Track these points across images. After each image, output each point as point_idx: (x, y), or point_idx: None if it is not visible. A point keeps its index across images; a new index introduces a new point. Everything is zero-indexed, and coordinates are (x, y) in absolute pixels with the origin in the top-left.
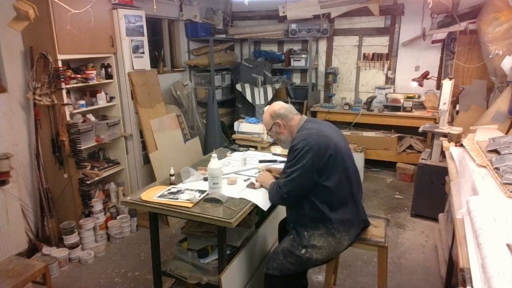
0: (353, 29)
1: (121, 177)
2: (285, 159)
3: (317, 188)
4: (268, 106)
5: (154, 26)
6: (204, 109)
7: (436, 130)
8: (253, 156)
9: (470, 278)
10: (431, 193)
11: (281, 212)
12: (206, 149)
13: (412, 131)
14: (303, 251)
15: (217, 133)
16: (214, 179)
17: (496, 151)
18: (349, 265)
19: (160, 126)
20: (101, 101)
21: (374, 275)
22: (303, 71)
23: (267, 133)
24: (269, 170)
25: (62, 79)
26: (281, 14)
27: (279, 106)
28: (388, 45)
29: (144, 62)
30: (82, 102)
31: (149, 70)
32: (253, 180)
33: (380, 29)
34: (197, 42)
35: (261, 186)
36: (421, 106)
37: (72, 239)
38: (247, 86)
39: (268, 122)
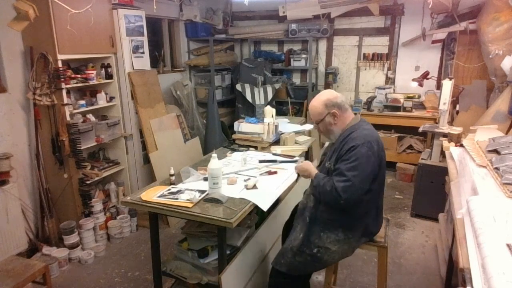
0: (353, 29)
1: (121, 177)
2: (285, 158)
3: None
4: (318, 95)
5: (154, 26)
6: (204, 109)
7: (436, 130)
8: (253, 156)
9: (470, 278)
10: (431, 193)
11: (282, 212)
12: (206, 149)
13: (412, 131)
14: (315, 250)
15: (217, 133)
16: (214, 179)
17: (496, 151)
18: (349, 265)
19: (160, 126)
20: (101, 101)
21: (374, 275)
22: (303, 71)
23: (315, 125)
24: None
25: (62, 79)
26: (281, 14)
27: (335, 94)
28: (388, 45)
29: (144, 62)
30: (82, 102)
31: (149, 70)
32: (252, 181)
33: (380, 29)
34: (197, 42)
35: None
36: (421, 106)
37: (72, 239)
38: (247, 86)
39: (321, 111)
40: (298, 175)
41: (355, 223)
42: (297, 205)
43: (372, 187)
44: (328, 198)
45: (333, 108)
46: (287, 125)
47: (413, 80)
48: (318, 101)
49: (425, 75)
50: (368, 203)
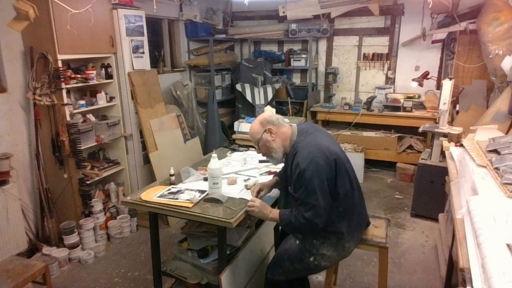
0: (353, 29)
1: (121, 177)
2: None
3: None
4: (255, 119)
5: (154, 26)
6: (204, 109)
7: (436, 130)
8: (253, 156)
9: (470, 278)
10: (431, 193)
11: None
12: (206, 149)
13: (412, 131)
14: (312, 258)
15: (217, 133)
16: (214, 179)
17: (496, 151)
18: (349, 265)
19: (160, 126)
20: (101, 101)
21: (374, 275)
22: (303, 71)
23: (257, 149)
24: (260, 189)
25: (62, 79)
26: (281, 14)
27: (268, 114)
28: (388, 45)
29: (144, 62)
30: (82, 102)
31: (149, 70)
32: (252, 181)
33: (380, 29)
34: (197, 42)
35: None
36: (421, 106)
37: (72, 239)
38: (247, 86)
39: (258, 131)
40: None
41: (340, 224)
42: None
43: (338, 190)
44: (307, 229)
45: (268, 125)
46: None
47: (413, 80)
48: (254, 123)
49: (425, 75)
50: (342, 203)
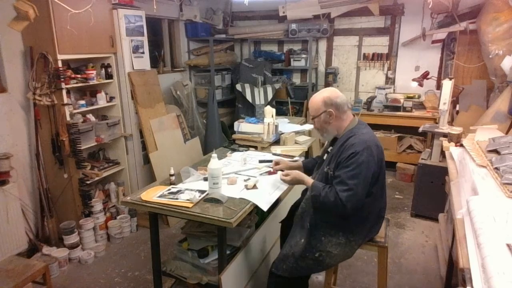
0: (353, 29)
1: (121, 177)
2: (285, 158)
3: None
4: (320, 91)
5: (154, 26)
6: (204, 109)
7: (436, 130)
8: (253, 156)
9: (470, 278)
10: (431, 193)
11: (282, 212)
12: (206, 149)
13: (412, 131)
14: (317, 254)
15: (217, 133)
16: (214, 179)
17: (496, 151)
18: (349, 265)
19: (160, 126)
20: (101, 101)
21: (374, 275)
22: (303, 71)
23: (311, 119)
24: (277, 163)
25: (62, 79)
26: (281, 14)
27: (336, 94)
28: (388, 45)
29: (144, 62)
30: (82, 102)
31: (149, 70)
32: (252, 181)
33: (380, 29)
34: (197, 42)
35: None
36: (421, 106)
37: (72, 239)
38: (247, 86)
39: (318, 108)
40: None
41: (356, 226)
42: (294, 204)
43: (373, 189)
44: (332, 208)
45: (331, 107)
46: (287, 125)
47: (413, 80)
48: (318, 97)
49: (425, 75)
50: (369, 207)
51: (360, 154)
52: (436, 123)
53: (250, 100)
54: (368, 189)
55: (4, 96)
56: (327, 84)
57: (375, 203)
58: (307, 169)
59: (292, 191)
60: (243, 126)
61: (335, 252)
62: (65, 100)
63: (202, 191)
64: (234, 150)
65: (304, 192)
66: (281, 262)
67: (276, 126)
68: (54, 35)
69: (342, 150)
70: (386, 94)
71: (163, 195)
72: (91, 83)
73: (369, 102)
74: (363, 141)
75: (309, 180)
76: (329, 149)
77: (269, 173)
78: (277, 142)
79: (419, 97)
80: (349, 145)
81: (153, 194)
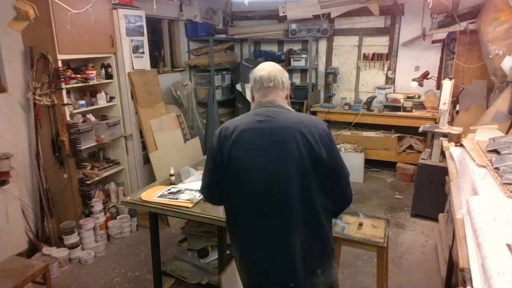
0: (353, 29)
1: (121, 177)
2: None
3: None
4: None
5: (154, 26)
6: (204, 109)
7: (436, 130)
8: None
9: (470, 278)
10: (431, 193)
11: None
12: (206, 149)
13: (412, 131)
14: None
15: None
16: None
17: (496, 151)
18: (349, 265)
19: (160, 126)
20: (101, 101)
21: (374, 275)
22: (303, 71)
23: None
24: None
25: (62, 79)
26: (281, 14)
27: (259, 73)
28: (388, 45)
29: (144, 62)
30: (82, 102)
31: (149, 70)
32: None
33: (380, 29)
34: (197, 42)
35: None
36: (421, 106)
37: (72, 239)
38: (247, 86)
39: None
40: None
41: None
42: None
43: (222, 181)
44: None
45: (252, 81)
46: None
47: (413, 80)
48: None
49: (425, 75)
50: (230, 212)
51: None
52: (436, 123)
53: (250, 100)
54: (208, 180)
55: (4, 96)
56: (327, 84)
57: (231, 209)
58: None
59: None
60: None
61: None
62: (65, 100)
63: None
64: None
65: None
66: None
67: None
68: (54, 35)
69: None
70: (386, 94)
71: (163, 195)
72: (91, 83)
73: (369, 102)
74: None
75: None
76: None
77: None
78: None
79: (419, 97)
80: None
81: (153, 194)
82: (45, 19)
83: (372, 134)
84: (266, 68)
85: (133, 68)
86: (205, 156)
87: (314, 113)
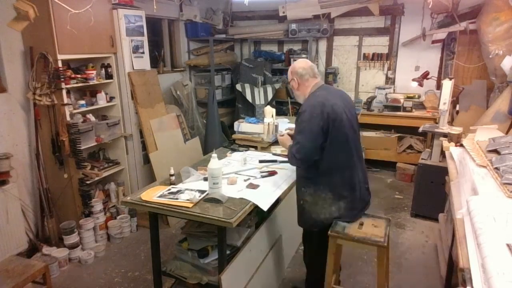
0: (353, 29)
1: (121, 177)
2: (285, 158)
3: None
4: (298, 61)
5: (154, 26)
6: (204, 109)
7: (436, 130)
8: (253, 156)
9: (470, 278)
10: (431, 193)
11: (282, 212)
12: (206, 149)
13: (412, 131)
14: (301, 201)
15: (217, 133)
16: (214, 179)
17: (496, 151)
18: (349, 265)
19: (160, 126)
20: (101, 101)
21: (374, 275)
22: None
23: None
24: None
25: (62, 79)
26: (281, 14)
27: (300, 65)
28: (388, 45)
29: (144, 62)
30: (82, 102)
31: (149, 70)
32: (252, 180)
33: (380, 29)
34: (197, 42)
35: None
36: (421, 106)
37: (72, 239)
38: (247, 86)
39: (289, 76)
40: None
41: (319, 178)
42: None
43: (324, 145)
44: (290, 161)
45: (295, 75)
46: (287, 125)
47: (413, 80)
48: (291, 66)
49: (425, 75)
50: (328, 162)
51: (303, 113)
52: (436, 123)
53: (250, 100)
54: (317, 143)
55: (4, 96)
56: (327, 84)
57: (332, 158)
58: None
59: (292, 191)
60: (243, 126)
61: (310, 201)
62: (65, 100)
63: (202, 191)
64: (234, 150)
65: None
66: (302, 221)
67: (276, 126)
68: (54, 35)
69: (298, 114)
70: (386, 94)
71: (163, 195)
72: (91, 83)
73: (369, 102)
74: (310, 103)
75: (289, 143)
76: None
77: (269, 173)
78: (277, 142)
79: (419, 97)
80: (301, 109)
81: (153, 194)
82: (45, 19)
83: (372, 134)
84: (307, 61)
85: (133, 68)
86: (205, 156)
87: None
